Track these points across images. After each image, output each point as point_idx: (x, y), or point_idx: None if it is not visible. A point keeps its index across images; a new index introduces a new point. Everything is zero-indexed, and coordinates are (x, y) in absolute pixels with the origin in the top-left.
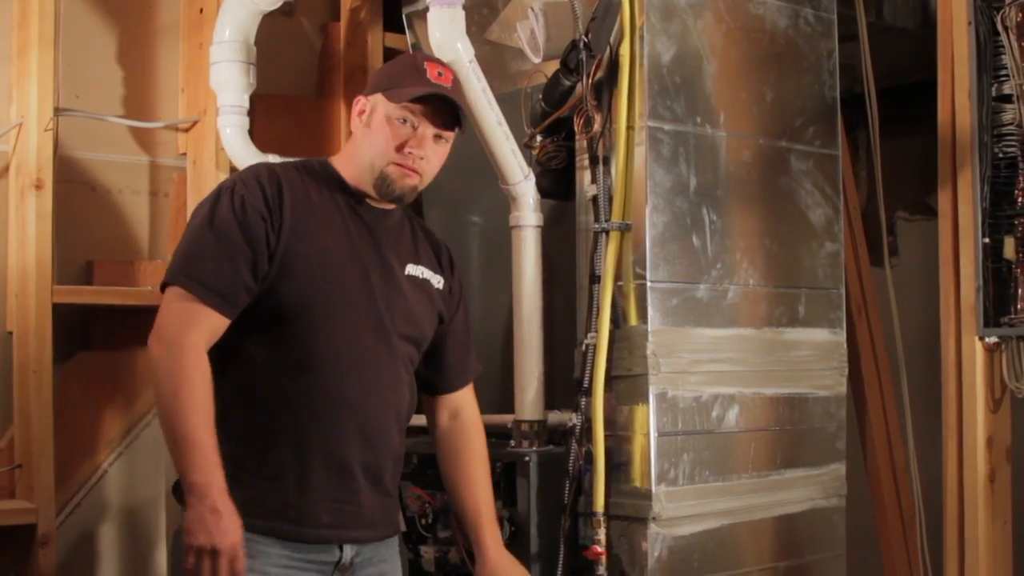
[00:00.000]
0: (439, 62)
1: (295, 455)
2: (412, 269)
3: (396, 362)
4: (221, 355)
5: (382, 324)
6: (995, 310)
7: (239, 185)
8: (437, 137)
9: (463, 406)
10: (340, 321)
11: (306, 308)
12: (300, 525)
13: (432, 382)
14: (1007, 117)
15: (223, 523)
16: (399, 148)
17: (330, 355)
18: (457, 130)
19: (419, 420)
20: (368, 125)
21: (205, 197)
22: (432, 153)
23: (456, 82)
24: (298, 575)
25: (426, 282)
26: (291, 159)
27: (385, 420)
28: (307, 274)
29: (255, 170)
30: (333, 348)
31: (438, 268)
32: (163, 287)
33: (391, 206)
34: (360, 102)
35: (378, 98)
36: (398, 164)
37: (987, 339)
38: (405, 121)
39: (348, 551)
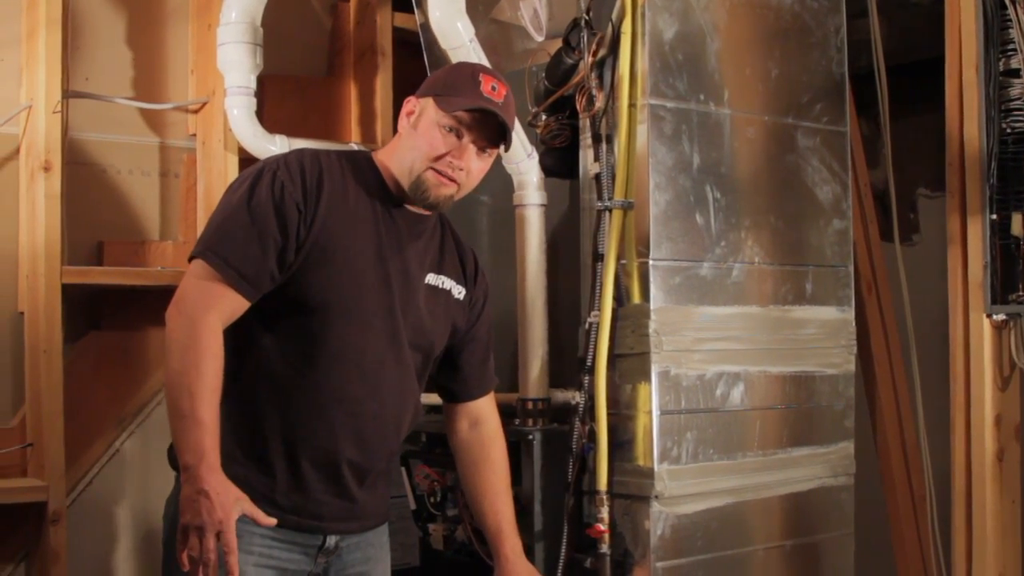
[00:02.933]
0: (495, 76)
1: (285, 447)
2: (433, 279)
3: (404, 371)
4: (233, 336)
5: (397, 332)
6: (1003, 287)
7: (282, 169)
8: (480, 151)
9: (484, 416)
10: (354, 323)
11: (323, 305)
12: (285, 512)
13: (452, 390)
14: (1015, 92)
15: (212, 502)
16: (440, 156)
17: (338, 355)
18: (502, 147)
19: (431, 399)
20: (415, 127)
21: (245, 172)
22: (473, 165)
23: (508, 98)
24: (281, 554)
25: (446, 292)
26: (333, 146)
27: (383, 426)
28: (330, 272)
29: (300, 156)
30: (342, 348)
31: (462, 278)
32: (191, 257)
33: (427, 212)
34: (410, 102)
35: (428, 102)
36: (436, 171)
37: (995, 316)
38: (451, 130)
39: (332, 537)
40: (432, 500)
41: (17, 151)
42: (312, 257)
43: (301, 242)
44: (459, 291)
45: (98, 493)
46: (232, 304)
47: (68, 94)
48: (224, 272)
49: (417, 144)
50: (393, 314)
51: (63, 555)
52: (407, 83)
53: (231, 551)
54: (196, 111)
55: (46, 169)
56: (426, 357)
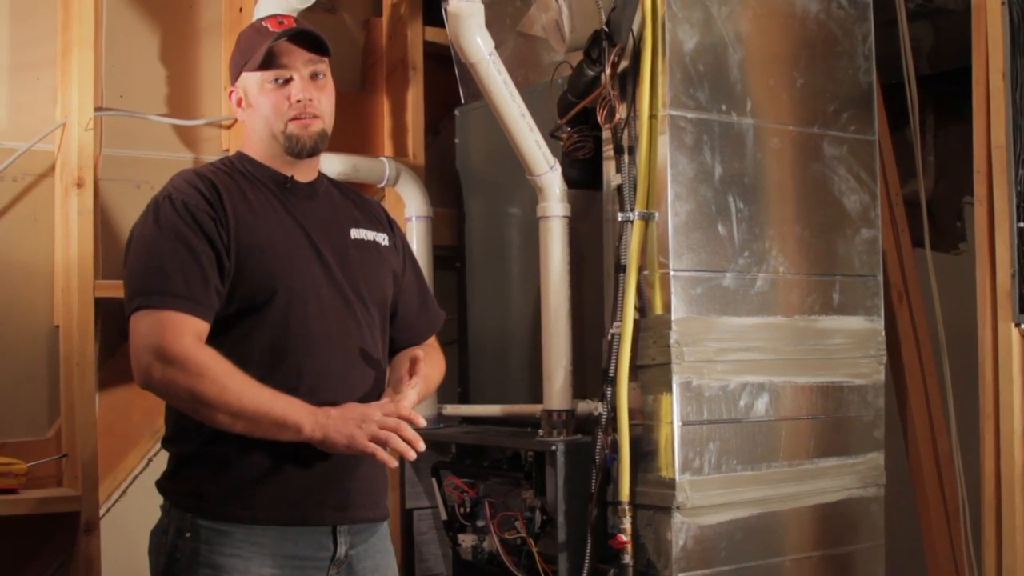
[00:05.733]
0: (276, 15)
1: (292, 445)
2: (356, 233)
3: (365, 331)
4: None
5: (345, 295)
6: None
7: (174, 192)
8: (313, 76)
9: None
10: (306, 301)
11: (271, 296)
12: (305, 509)
13: (399, 339)
14: None
15: (343, 411)
16: (289, 106)
17: (304, 335)
18: (329, 58)
19: (458, 410)
20: (251, 105)
21: (140, 216)
22: (318, 90)
23: (300, 21)
24: (293, 573)
25: (374, 243)
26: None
27: (369, 389)
28: (263, 263)
29: (183, 175)
30: (305, 328)
31: (379, 226)
32: (129, 315)
33: (315, 176)
34: (232, 92)
35: (244, 78)
36: (294, 119)
37: (1023, 326)
38: (276, 80)
39: (343, 544)
40: (462, 511)
41: (52, 168)
42: (241, 256)
43: (227, 245)
44: (383, 238)
45: (133, 503)
46: (195, 328)
47: (100, 111)
48: (175, 304)
49: (262, 114)
50: (335, 280)
51: (97, 564)
52: (438, 96)
53: (397, 427)
54: (229, 127)
55: (79, 185)
56: (382, 311)
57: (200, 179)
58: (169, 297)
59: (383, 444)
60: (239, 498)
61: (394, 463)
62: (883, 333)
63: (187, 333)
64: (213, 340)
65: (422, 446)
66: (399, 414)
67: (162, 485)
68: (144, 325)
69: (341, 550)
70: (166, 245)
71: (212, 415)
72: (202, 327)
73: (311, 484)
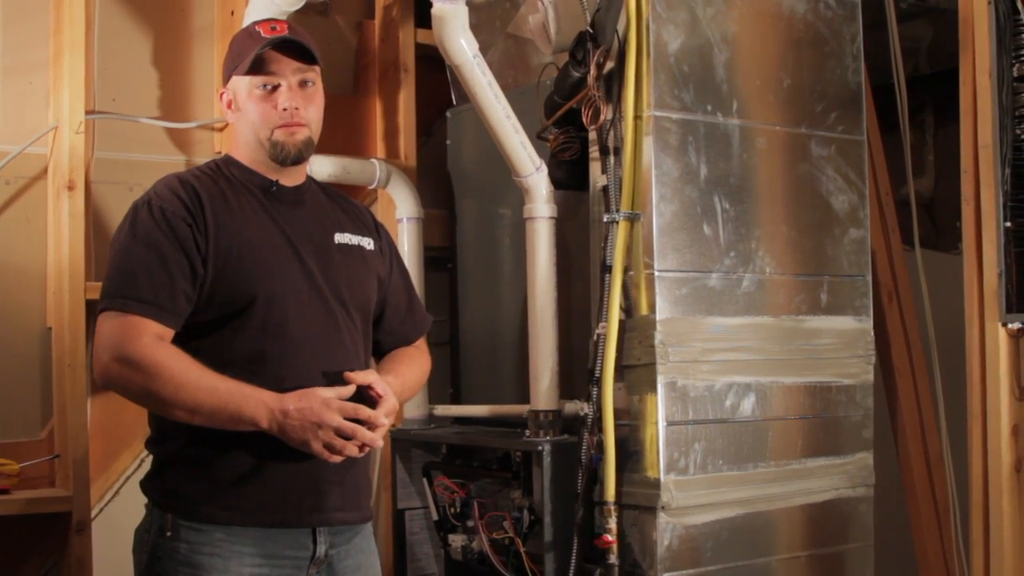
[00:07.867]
0: (270, 20)
1: (271, 449)
2: (340, 238)
3: (346, 334)
4: None
5: (326, 300)
6: (1018, 296)
7: (154, 198)
8: (303, 83)
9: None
10: (286, 305)
11: (250, 300)
12: (284, 511)
13: (383, 344)
14: None
15: (303, 409)
16: (276, 113)
17: (284, 339)
18: (319, 66)
19: (449, 411)
20: (239, 108)
21: (121, 221)
22: (305, 99)
23: (294, 28)
24: (272, 572)
25: (358, 247)
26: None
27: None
28: (243, 268)
29: (166, 181)
30: (285, 332)
31: (365, 230)
32: (99, 312)
33: (301, 180)
34: (224, 95)
35: (234, 81)
36: (281, 126)
37: (1010, 325)
38: (266, 87)
39: (322, 544)
40: (452, 511)
41: (45, 171)
42: (219, 263)
43: (204, 253)
44: (368, 243)
45: (125, 504)
46: (156, 331)
47: (92, 114)
48: (139, 309)
49: (250, 119)
50: (316, 285)
51: (88, 565)
52: (431, 98)
53: (353, 433)
54: (221, 129)
55: (70, 188)
56: (365, 315)
57: (182, 185)
58: (133, 302)
59: (337, 451)
60: (218, 499)
61: (337, 460)
62: (872, 333)
63: (146, 335)
64: (194, 344)
65: (379, 444)
66: (358, 415)
67: (145, 485)
68: (107, 327)
69: (321, 549)
70: (138, 251)
71: (169, 412)
72: (164, 332)
73: (290, 487)
